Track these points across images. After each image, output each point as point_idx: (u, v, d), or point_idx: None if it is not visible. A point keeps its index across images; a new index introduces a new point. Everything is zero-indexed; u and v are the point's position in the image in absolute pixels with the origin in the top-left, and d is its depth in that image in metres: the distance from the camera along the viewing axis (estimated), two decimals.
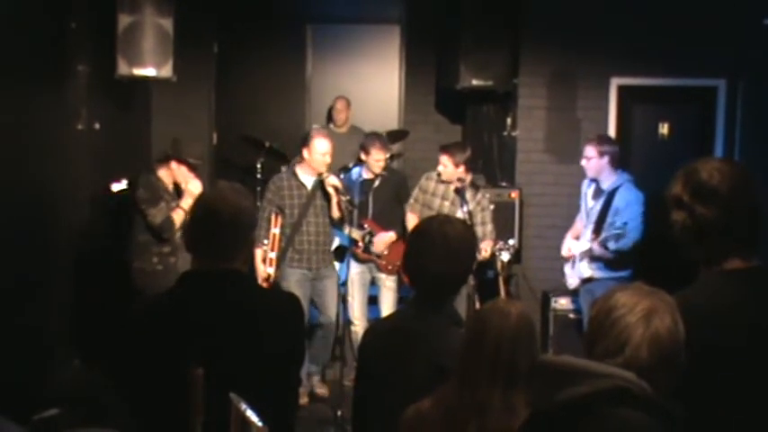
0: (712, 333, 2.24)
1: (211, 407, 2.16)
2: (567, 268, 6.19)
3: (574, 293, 6.38)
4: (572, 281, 6.14)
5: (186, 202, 5.54)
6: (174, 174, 5.71)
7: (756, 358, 2.28)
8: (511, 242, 6.16)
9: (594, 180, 6.04)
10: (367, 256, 6.42)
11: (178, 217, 5.56)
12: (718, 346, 2.25)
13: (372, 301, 6.64)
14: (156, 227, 5.57)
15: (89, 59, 6.31)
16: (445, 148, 6.29)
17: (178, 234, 5.59)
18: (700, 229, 2.36)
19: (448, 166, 6.18)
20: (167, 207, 5.60)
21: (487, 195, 6.44)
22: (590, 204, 6.09)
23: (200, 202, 2.75)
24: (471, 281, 5.48)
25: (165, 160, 5.75)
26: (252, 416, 1.97)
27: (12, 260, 5.11)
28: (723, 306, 2.32)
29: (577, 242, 6.10)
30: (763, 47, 6.73)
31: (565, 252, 6.16)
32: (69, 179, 6.06)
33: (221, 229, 2.54)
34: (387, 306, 6.44)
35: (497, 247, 5.99)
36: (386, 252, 6.40)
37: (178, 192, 5.73)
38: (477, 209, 6.18)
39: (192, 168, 5.67)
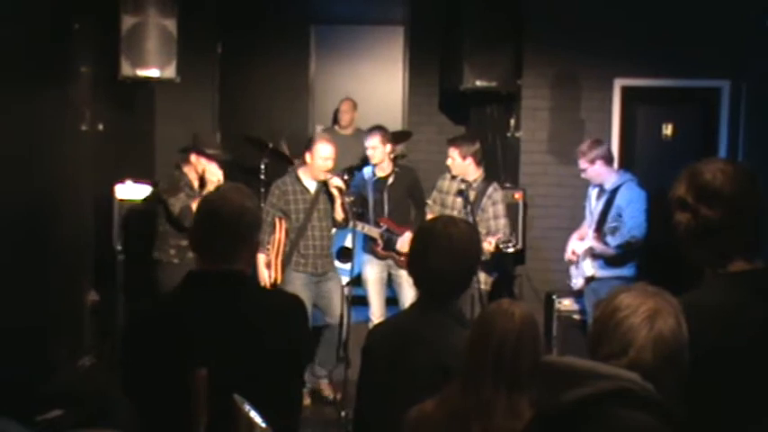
0: (719, 335, 2.24)
1: (215, 408, 2.15)
2: (573, 269, 6.18)
3: (578, 294, 6.37)
4: (577, 281, 6.13)
5: (208, 191, 5.58)
6: (196, 166, 5.79)
7: (762, 360, 2.28)
8: (514, 233, 6.23)
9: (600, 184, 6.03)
10: (387, 254, 6.40)
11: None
12: (724, 348, 2.24)
13: (389, 302, 6.53)
14: (176, 215, 5.66)
15: (92, 60, 6.33)
16: (452, 141, 6.29)
17: None
18: (704, 231, 2.35)
19: (456, 159, 6.16)
20: (187, 197, 5.67)
21: (499, 189, 6.30)
22: (594, 205, 6.08)
23: (203, 202, 2.75)
24: (475, 282, 5.47)
25: (186, 154, 5.84)
26: (255, 417, 1.97)
27: (12, 260, 5.12)
28: (729, 308, 2.31)
29: (581, 242, 6.09)
30: (766, 48, 6.72)
31: (569, 253, 6.15)
32: (72, 180, 6.07)
33: (224, 229, 2.54)
34: (409, 302, 6.40)
35: (502, 239, 5.96)
36: (406, 248, 6.37)
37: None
38: (489, 203, 6.13)
39: (211, 159, 5.76)
